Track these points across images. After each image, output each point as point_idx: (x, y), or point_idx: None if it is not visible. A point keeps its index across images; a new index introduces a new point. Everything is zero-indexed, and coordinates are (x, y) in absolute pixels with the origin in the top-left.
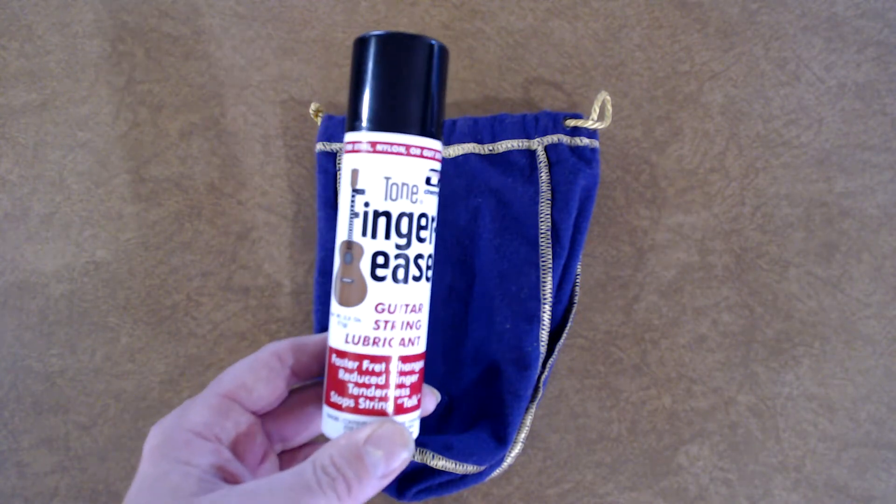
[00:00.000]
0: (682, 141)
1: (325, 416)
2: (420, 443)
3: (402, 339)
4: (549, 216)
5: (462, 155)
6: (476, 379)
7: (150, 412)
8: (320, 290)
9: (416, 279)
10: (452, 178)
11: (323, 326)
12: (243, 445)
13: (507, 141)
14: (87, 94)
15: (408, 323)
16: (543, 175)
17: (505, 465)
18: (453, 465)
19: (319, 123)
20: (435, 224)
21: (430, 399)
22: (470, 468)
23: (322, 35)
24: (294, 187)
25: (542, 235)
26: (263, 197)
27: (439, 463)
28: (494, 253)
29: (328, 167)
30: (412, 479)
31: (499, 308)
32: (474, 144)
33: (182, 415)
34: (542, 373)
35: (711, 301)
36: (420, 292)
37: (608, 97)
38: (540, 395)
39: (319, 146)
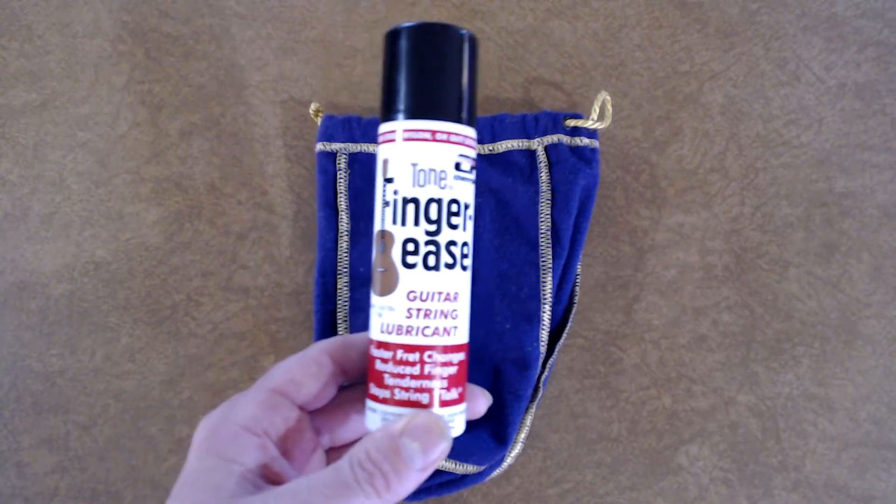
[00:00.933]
0: (682, 141)
1: (366, 409)
2: None
3: (437, 329)
4: (549, 216)
5: None
6: (476, 379)
7: (150, 412)
8: (320, 290)
9: (450, 266)
10: None
11: (324, 327)
12: (292, 441)
13: (506, 141)
14: (87, 94)
15: (442, 312)
16: (543, 175)
17: (505, 465)
18: (453, 464)
19: (319, 123)
20: (471, 211)
21: (482, 401)
22: (470, 468)
23: (322, 35)
24: (294, 187)
25: (542, 235)
26: (263, 197)
27: (439, 463)
28: (494, 253)
29: (328, 167)
30: None
31: (499, 308)
32: None
33: (230, 408)
34: (542, 373)
35: (711, 301)
36: (455, 280)
37: (608, 97)
38: (540, 395)
39: (319, 146)
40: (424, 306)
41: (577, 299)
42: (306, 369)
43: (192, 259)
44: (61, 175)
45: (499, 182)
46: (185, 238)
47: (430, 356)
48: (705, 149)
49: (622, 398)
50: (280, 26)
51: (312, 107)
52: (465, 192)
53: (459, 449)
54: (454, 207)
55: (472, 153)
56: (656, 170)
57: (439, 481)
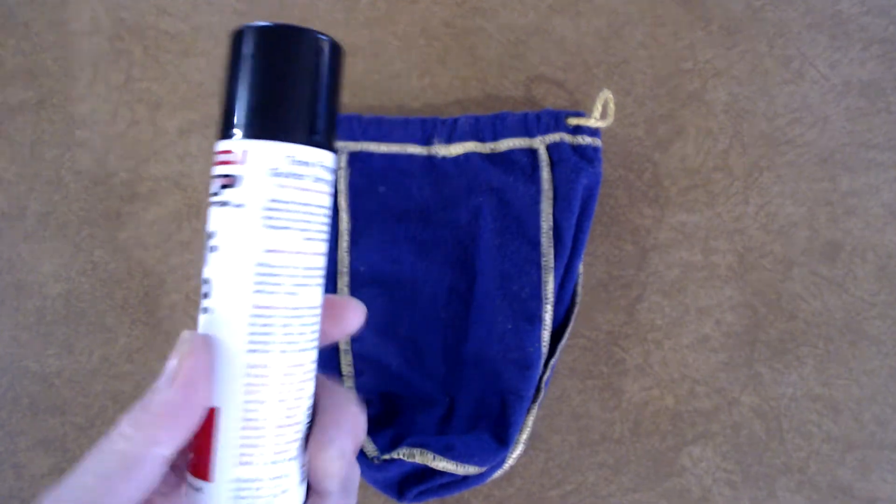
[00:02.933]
0: (685, 139)
1: None
2: (421, 444)
3: None
4: (550, 215)
5: (463, 154)
6: (477, 379)
7: None
8: None
9: (203, 311)
10: (453, 178)
11: None
12: None
13: (508, 139)
14: (84, 92)
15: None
16: (545, 174)
17: (506, 466)
18: (454, 466)
19: None
20: (214, 242)
21: (357, 312)
22: (471, 469)
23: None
24: None
25: (544, 235)
26: None
27: (440, 464)
28: (496, 252)
29: None
30: (414, 480)
31: (500, 308)
32: (476, 143)
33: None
34: (543, 373)
35: (715, 301)
36: (202, 325)
37: (611, 95)
38: (541, 395)
39: None
40: None
41: (579, 299)
42: None
43: (191, 259)
44: (59, 174)
45: (500, 181)
46: (184, 237)
47: None
48: (709, 147)
49: (625, 399)
50: None
51: None
52: (220, 221)
53: (461, 450)
54: (209, 240)
55: (233, 170)
56: (659, 168)
57: (440, 482)
